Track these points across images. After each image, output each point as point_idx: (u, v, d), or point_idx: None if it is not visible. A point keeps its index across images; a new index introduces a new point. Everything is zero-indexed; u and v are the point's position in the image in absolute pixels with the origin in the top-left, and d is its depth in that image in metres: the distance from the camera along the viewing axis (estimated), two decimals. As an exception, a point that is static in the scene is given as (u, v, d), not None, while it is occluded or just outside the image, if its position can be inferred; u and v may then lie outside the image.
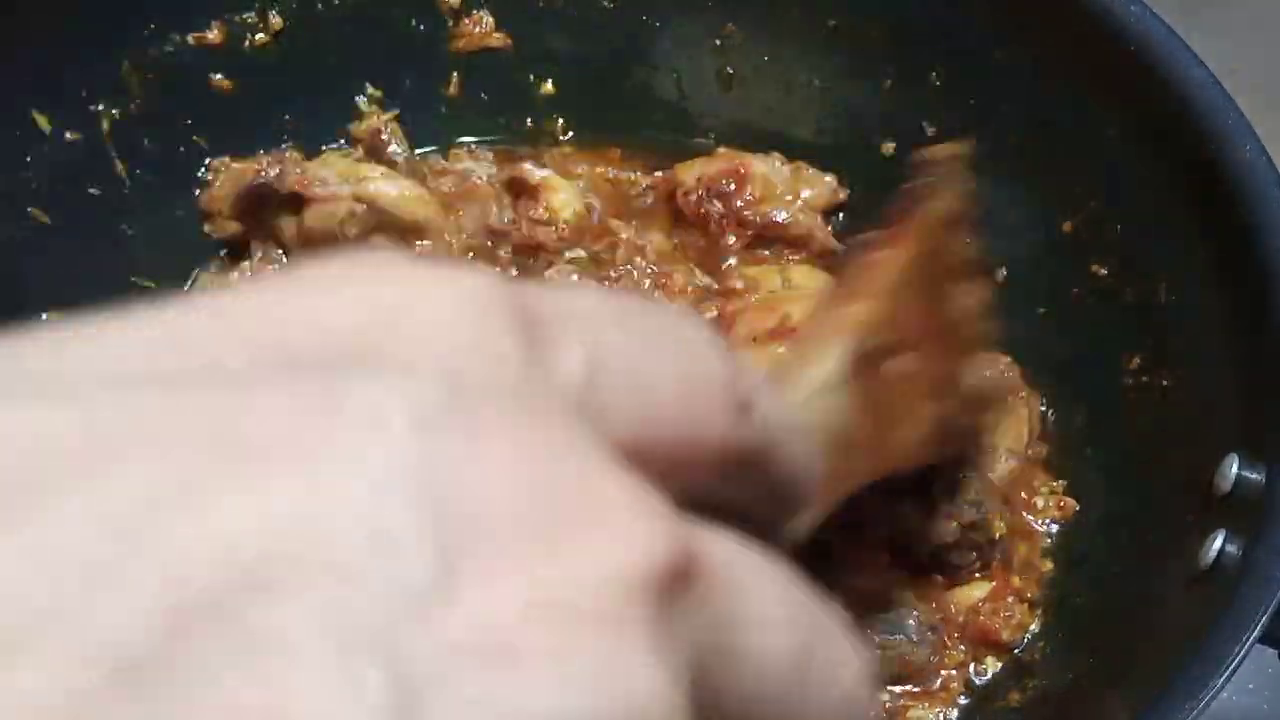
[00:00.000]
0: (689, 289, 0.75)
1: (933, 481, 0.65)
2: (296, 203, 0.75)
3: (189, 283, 0.79)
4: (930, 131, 0.80)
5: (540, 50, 0.86)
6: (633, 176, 0.84)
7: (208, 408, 0.15)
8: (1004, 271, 0.78)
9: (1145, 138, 0.67)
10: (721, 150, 0.82)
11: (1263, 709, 0.72)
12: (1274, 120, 0.66)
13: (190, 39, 0.78)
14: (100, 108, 0.75)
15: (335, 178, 0.75)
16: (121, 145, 0.76)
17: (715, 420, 0.21)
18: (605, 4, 0.85)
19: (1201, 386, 0.63)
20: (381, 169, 0.76)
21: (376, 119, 0.80)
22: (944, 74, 0.78)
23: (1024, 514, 0.69)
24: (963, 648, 0.65)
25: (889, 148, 0.82)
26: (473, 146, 0.85)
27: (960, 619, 0.66)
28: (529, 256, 0.79)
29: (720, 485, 0.22)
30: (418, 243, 0.75)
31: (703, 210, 0.79)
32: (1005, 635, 0.65)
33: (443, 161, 0.84)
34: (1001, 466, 0.69)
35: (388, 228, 0.75)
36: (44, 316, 0.73)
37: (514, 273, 0.79)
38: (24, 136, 0.71)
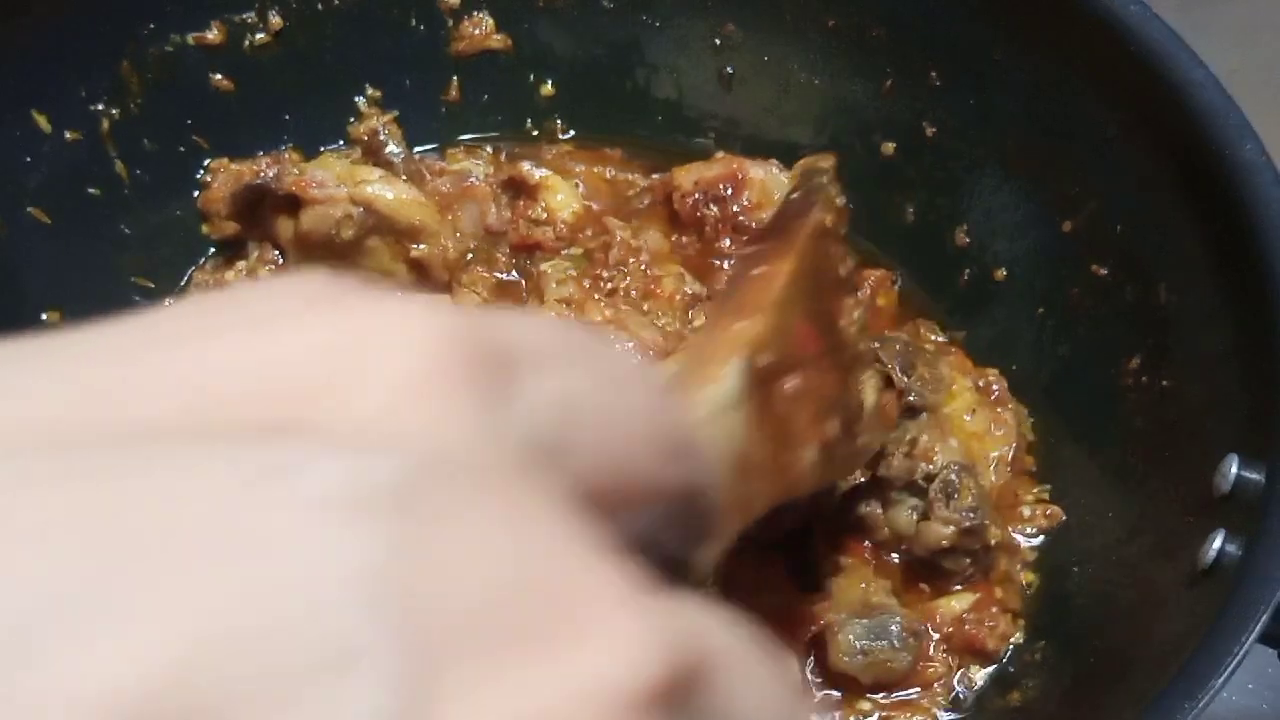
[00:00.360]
0: (677, 296, 0.74)
1: (928, 486, 0.65)
2: (294, 204, 0.75)
3: (183, 281, 0.79)
4: (930, 132, 0.80)
5: (540, 51, 0.86)
6: (630, 177, 0.84)
7: (116, 480, 0.12)
8: (1004, 271, 0.78)
9: (1145, 138, 0.67)
10: (720, 155, 0.82)
11: (1263, 709, 0.72)
12: (1274, 120, 0.66)
13: (190, 39, 0.78)
14: (100, 108, 0.75)
15: (332, 180, 0.74)
16: (121, 145, 0.76)
17: (668, 461, 0.20)
18: (605, 4, 0.85)
19: (1201, 386, 0.63)
20: (379, 171, 0.76)
21: (375, 120, 0.80)
22: (944, 74, 0.78)
23: (1008, 527, 0.69)
24: (948, 658, 0.65)
25: (889, 148, 0.82)
26: (470, 144, 0.86)
27: (946, 629, 0.66)
28: (525, 255, 0.79)
29: (647, 521, 0.21)
30: (413, 245, 0.75)
31: (699, 214, 0.79)
32: (990, 644, 0.65)
33: (440, 162, 0.84)
34: (990, 476, 0.69)
35: (384, 230, 0.75)
36: (43, 316, 0.74)
37: (511, 274, 0.79)
38: (24, 136, 0.71)
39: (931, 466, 0.66)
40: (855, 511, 0.67)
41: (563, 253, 0.78)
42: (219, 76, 0.79)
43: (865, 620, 0.63)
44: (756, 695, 0.16)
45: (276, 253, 0.78)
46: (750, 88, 0.85)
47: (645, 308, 0.74)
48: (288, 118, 0.82)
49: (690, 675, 0.14)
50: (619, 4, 0.85)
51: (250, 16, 0.80)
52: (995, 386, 0.72)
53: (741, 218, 0.78)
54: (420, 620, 0.12)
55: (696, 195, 0.79)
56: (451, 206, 0.79)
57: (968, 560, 0.65)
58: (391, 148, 0.79)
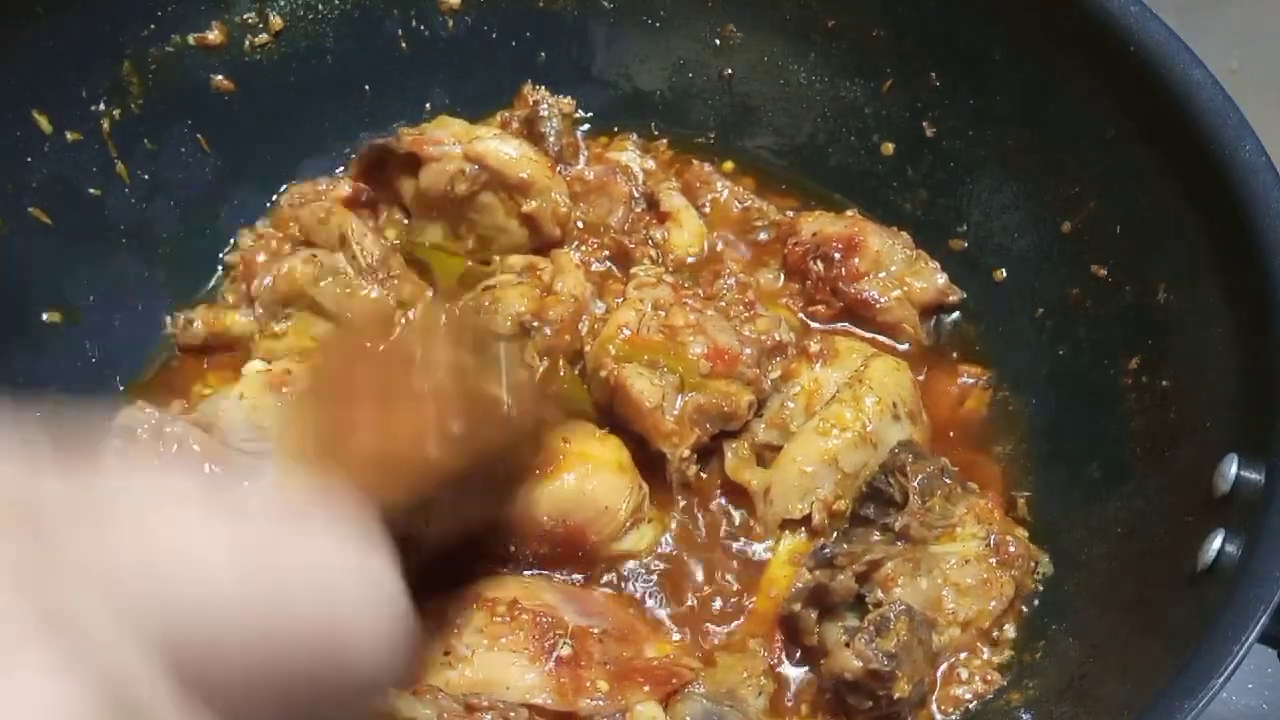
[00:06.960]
0: (763, 335, 0.72)
1: (867, 614, 0.62)
2: (414, 164, 0.78)
3: (212, 282, 0.79)
4: (930, 132, 0.80)
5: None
6: (763, 207, 0.83)
7: None
8: (1004, 272, 0.78)
9: (1145, 138, 0.67)
10: (852, 213, 0.80)
11: (1262, 709, 0.72)
12: (1274, 120, 0.66)
13: (190, 39, 0.78)
14: (100, 108, 0.75)
15: (448, 137, 0.77)
16: (121, 145, 0.76)
17: None
18: (605, 4, 0.86)
19: (1201, 386, 0.63)
20: (494, 130, 0.79)
21: (539, 93, 0.82)
22: (944, 74, 0.78)
23: (934, 690, 0.64)
24: None
25: (889, 148, 0.82)
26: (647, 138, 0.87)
27: None
28: (622, 263, 0.79)
29: None
30: (524, 200, 0.77)
31: (804, 265, 0.78)
32: None
33: (601, 149, 0.85)
34: (952, 631, 0.65)
35: (496, 186, 0.77)
36: (44, 316, 0.74)
37: (605, 263, 0.80)
38: (24, 136, 0.71)
39: (884, 596, 0.63)
40: (795, 611, 0.64)
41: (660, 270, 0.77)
42: (219, 77, 0.80)
43: (710, 704, 0.61)
44: None
45: (400, 216, 0.81)
46: (750, 87, 0.86)
47: (732, 313, 0.72)
48: (289, 120, 0.82)
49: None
50: (618, 4, 0.85)
51: (250, 16, 0.80)
52: (1013, 547, 0.67)
53: (843, 284, 0.77)
54: None
55: (808, 247, 0.78)
56: (589, 195, 0.81)
57: (869, 703, 0.62)
58: (548, 121, 0.81)
